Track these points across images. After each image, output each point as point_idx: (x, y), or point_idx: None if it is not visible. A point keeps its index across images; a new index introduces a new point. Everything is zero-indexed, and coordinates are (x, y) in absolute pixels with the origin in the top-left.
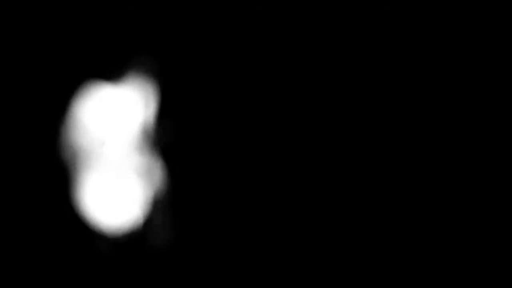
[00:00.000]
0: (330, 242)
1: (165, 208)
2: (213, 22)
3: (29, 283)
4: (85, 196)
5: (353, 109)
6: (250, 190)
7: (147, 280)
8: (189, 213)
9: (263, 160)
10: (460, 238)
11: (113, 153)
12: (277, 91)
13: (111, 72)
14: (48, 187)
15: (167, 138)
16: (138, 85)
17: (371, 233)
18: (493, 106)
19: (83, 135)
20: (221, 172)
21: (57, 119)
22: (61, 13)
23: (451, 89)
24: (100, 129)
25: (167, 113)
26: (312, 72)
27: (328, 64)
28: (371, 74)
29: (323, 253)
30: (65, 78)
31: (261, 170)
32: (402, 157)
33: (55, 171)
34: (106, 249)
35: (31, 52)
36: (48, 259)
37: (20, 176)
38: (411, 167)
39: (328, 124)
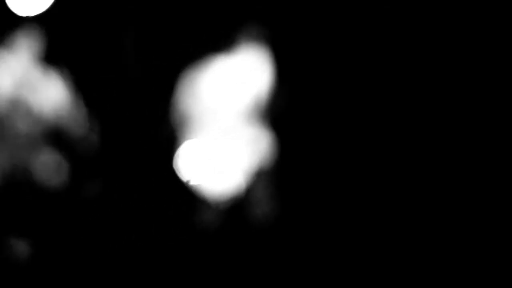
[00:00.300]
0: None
1: (269, 180)
2: None
3: (129, 247)
4: (191, 163)
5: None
6: (358, 169)
7: (244, 248)
8: (292, 187)
9: (375, 137)
10: (459, 237)
11: (224, 122)
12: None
13: (227, 42)
14: (154, 153)
15: (278, 110)
16: (253, 56)
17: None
18: (493, 106)
19: (196, 103)
20: (330, 149)
21: (171, 87)
22: None
23: (451, 89)
24: (213, 97)
25: (280, 85)
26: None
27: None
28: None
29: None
30: (181, 47)
31: (374, 147)
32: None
33: (163, 137)
34: (208, 216)
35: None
36: (152, 223)
37: (128, 142)
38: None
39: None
